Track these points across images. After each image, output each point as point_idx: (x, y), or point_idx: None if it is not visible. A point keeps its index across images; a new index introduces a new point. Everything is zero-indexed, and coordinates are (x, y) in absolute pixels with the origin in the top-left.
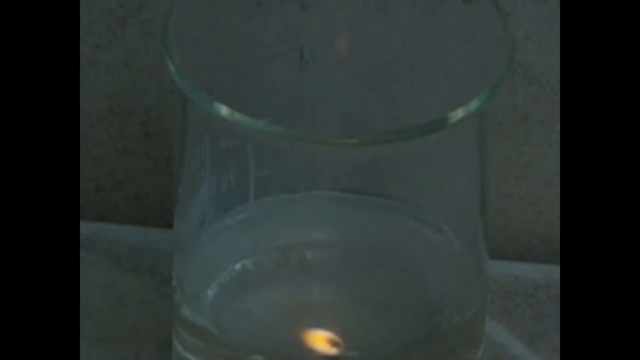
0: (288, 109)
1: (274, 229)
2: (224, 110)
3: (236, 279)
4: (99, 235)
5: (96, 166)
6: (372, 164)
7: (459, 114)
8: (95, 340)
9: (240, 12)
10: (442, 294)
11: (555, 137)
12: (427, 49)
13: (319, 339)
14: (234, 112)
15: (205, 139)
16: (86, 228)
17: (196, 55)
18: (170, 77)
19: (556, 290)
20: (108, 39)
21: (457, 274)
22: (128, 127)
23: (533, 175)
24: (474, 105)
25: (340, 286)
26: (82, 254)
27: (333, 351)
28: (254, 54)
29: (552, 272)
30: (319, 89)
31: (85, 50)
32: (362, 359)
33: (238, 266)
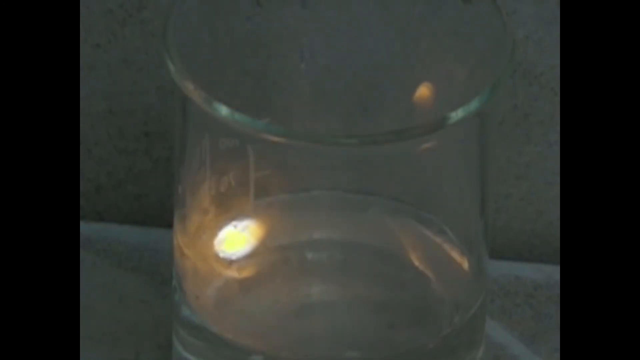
0: (288, 109)
1: (274, 229)
2: (224, 110)
3: (236, 279)
4: (99, 235)
5: (96, 166)
6: (372, 164)
7: (459, 114)
8: (95, 340)
9: (240, 12)
10: (442, 294)
11: (555, 137)
12: (427, 49)
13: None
14: (234, 112)
15: (205, 139)
16: (86, 228)
17: (196, 55)
18: (170, 77)
19: (556, 290)
20: (108, 39)
21: (457, 273)
22: (128, 127)
23: (533, 175)
24: (474, 105)
25: (341, 286)
26: (82, 254)
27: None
28: (254, 54)
29: (552, 272)
30: (319, 89)
31: (85, 50)
32: (362, 359)
33: (238, 266)
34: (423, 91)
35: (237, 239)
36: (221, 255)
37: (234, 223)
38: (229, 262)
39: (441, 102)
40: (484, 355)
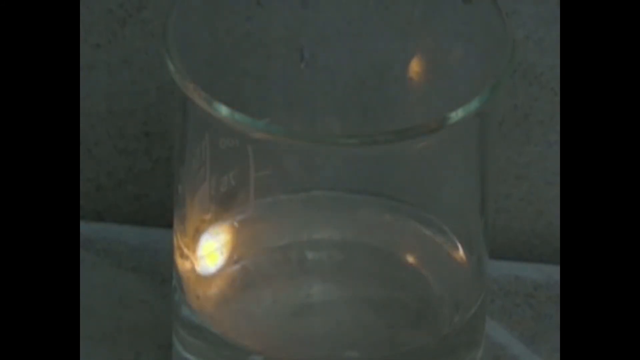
0: (288, 109)
1: (274, 229)
2: (224, 110)
3: (236, 279)
4: (99, 235)
5: (96, 166)
6: (372, 164)
7: (459, 114)
8: (95, 340)
9: (240, 12)
10: (442, 294)
11: (555, 137)
12: (427, 49)
13: None
14: (234, 112)
15: (205, 139)
16: (86, 228)
17: (196, 55)
18: (170, 77)
19: (556, 290)
20: (108, 39)
21: (457, 274)
22: (128, 127)
23: (533, 175)
24: (474, 105)
25: (341, 286)
26: (82, 254)
27: None
28: (254, 54)
29: (552, 272)
30: (319, 89)
31: (85, 50)
32: (362, 359)
33: (238, 266)
34: (416, 66)
35: (236, 240)
36: (221, 255)
37: (234, 223)
38: (229, 262)
39: (441, 102)
40: (484, 355)
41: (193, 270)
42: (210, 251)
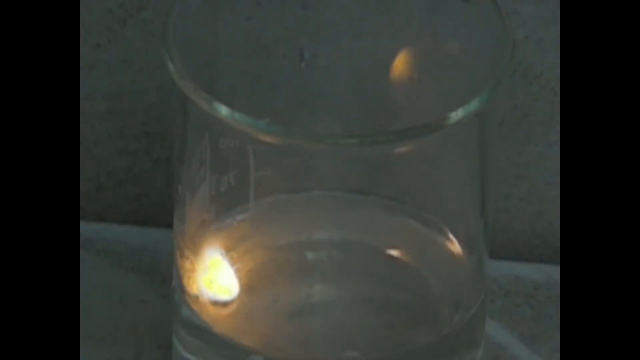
0: (288, 109)
1: (274, 229)
2: (224, 110)
3: (236, 278)
4: (99, 235)
5: (96, 166)
6: (372, 164)
7: (459, 114)
8: (95, 340)
9: (240, 12)
10: (442, 294)
11: (555, 137)
12: (427, 48)
13: None
14: (234, 112)
15: (205, 139)
16: (86, 228)
17: (196, 55)
18: (170, 77)
19: (556, 290)
20: (108, 39)
21: (457, 274)
22: (128, 127)
23: (533, 175)
24: (474, 105)
25: (341, 286)
26: (82, 254)
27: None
28: (254, 54)
29: (552, 272)
30: (319, 89)
31: (85, 50)
32: (362, 359)
33: (238, 266)
34: (416, 65)
35: (236, 240)
36: (221, 255)
37: (234, 223)
38: (229, 262)
39: (441, 102)
40: (484, 355)
41: (193, 270)
42: (210, 251)
